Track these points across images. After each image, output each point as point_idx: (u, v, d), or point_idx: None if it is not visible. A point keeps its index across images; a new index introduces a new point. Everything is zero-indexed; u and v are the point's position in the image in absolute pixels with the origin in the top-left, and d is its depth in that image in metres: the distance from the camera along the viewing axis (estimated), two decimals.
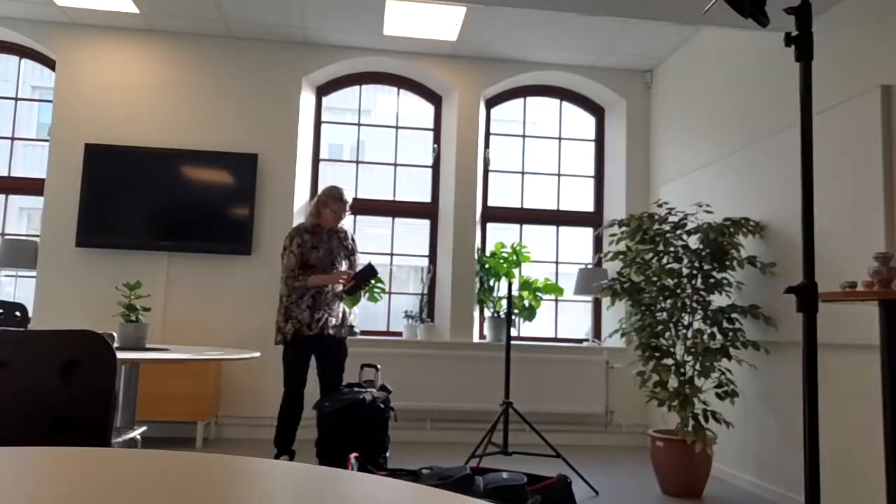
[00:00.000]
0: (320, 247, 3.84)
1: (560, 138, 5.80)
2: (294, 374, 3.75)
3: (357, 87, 5.62)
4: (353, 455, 3.45)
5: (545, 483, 3.10)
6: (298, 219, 5.23)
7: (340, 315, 3.90)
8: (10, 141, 5.25)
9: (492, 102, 5.68)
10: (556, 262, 5.70)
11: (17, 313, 4.27)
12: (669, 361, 4.55)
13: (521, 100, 5.77)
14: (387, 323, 5.57)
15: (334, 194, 3.86)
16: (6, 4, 4.76)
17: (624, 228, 4.05)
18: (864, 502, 3.08)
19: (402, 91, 5.66)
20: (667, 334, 3.86)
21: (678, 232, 3.90)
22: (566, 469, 4.25)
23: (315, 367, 3.86)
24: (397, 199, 5.56)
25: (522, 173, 5.75)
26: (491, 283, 5.41)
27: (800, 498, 3.49)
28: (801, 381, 3.53)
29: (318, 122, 5.53)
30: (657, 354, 3.84)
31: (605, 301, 5.45)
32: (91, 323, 4.87)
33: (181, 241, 4.91)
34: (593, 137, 5.83)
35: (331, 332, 3.80)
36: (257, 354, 2.89)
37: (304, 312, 3.74)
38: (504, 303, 5.37)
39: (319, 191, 3.98)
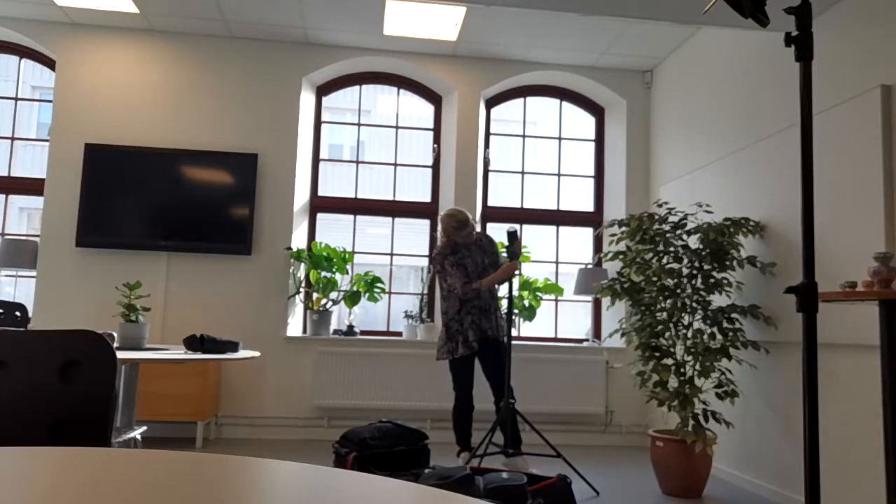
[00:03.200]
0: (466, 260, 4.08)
1: (560, 138, 5.80)
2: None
3: (357, 87, 5.62)
4: (353, 455, 3.45)
5: (545, 483, 3.10)
6: (298, 219, 5.24)
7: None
8: (10, 141, 5.25)
9: (492, 102, 5.68)
10: (556, 262, 5.70)
11: (17, 313, 4.27)
12: (669, 361, 4.56)
13: (521, 100, 5.77)
14: (387, 323, 5.57)
15: (448, 218, 4.05)
16: (6, 4, 4.76)
17: (624, 228, 4.05)
18: (864, 502, 3.08)
19: (402, 91, 5.66)
20: (667, 334, 3.86)
21: (678, 232, 3.90)
22: (566, 469, 4.25)
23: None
24: (397, 199, 5.56)
25: (522, 173, 5.75)
26: None
27: (800, 498, 3.49)
28: (801, 381, 3.53)
29: (318, 122, 5.53)
30: (657, 354, 3.84)
31: (605, 301, 5.45)
32: (91, 323, 4.87)
33: (181, 241, 4.91)
34: (593, 137, 5.83)
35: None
36: (257, 354, 2.89)
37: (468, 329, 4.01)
38: (504, 303, 5.37)
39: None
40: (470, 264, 4.04)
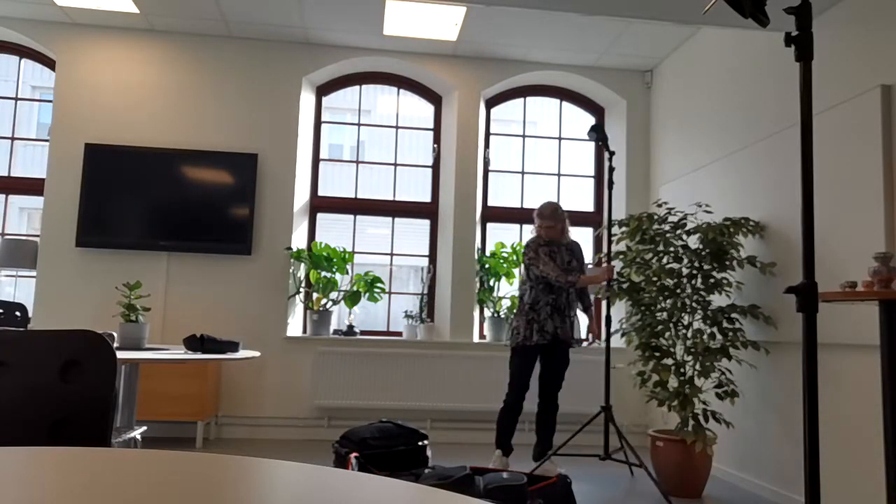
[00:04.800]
0: (555, 258, 4.10)
1: (560, 138, 5.80)
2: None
3: (357, 87, 5.62)
4: (353, 455, 3.45)
5: (545, 483, 3.10)
6: (298, 219, 5.24)
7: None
8: (10, 141, 5.25)
9: (492, 102, 5.68)
10: None
11: (17, 313, 4.26)
12: (669, 361, 4.56)
13: (521, 100, 5.77)
14: (387, 323, 5.57)
15: (541, 212, 4.11)
16: (6, 4, 4.76)
17: (624, 228, 4.05)
18: (864, 502, 3.08)
19: (402, 91, 5.66)
20: (667, 334, 3.86)
21: (678, 232, 3.90)
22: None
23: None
24: (397, 199, 5.56)
25: (522, 173, 5.75)
26: (491, 283, 5.40)
27: (800, 498, 3.49)
28: (801, 381, 3.53)
29: (318, 122, 5.53)
30: (657, 354, 3.84)
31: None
32: (91, 323, 4.87)
33: (181, 241, 4.91)
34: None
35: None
36: (257, 354, 2.89)
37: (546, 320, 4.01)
38: (504, 303, 5.37)
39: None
40: (558, 259, 4.08)
